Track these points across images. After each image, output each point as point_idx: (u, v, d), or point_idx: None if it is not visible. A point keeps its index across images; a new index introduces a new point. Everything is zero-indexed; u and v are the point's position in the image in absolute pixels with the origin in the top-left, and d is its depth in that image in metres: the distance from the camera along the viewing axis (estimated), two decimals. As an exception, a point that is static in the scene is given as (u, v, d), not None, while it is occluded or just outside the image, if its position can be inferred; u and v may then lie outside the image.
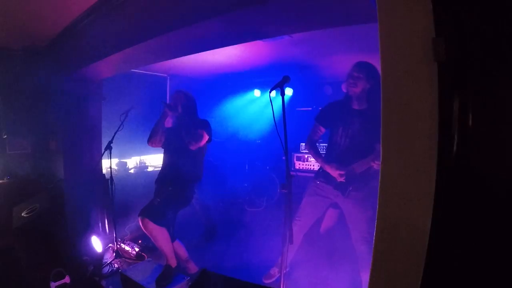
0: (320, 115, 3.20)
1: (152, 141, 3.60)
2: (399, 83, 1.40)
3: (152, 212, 3.28)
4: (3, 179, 4.85)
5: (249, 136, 6.98)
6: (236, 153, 6.79)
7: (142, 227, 3.29)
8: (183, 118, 3.52)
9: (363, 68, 2.87)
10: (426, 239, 1.32)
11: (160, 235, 3.32)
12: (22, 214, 3.76)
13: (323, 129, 3.19)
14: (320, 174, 3.15)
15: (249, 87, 7.72)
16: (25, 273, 3.39)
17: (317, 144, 3.29)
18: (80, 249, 3.98)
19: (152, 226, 3.24)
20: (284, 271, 2.56)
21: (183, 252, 3.71)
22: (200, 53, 4.10)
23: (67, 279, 3.32)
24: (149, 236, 3.33)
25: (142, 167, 6.84)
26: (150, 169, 6.85)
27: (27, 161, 5.14)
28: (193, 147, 3.40)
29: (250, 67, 6.55)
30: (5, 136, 5.04)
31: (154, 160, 7.00)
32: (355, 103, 2.95)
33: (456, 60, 1.25)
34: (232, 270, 3.98)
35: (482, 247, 1.25)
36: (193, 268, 3.73)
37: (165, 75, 7.09)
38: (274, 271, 3.50)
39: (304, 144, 3.36)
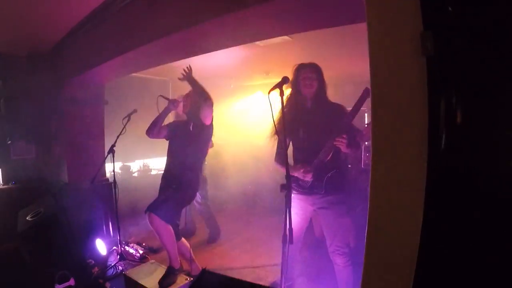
0: (278, 127, 2.97)
1: (150, 132, 3.65)
2: (388, 79, 1.39)
3: (158, 208, 3.32)
4: (8, 184, 4.90)
5: (252, 138, 6.98)
6: (238, 155, 6.79)
7: (149, 223, 3.32)
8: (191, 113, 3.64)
9: (314, 68, 2.95)
10: (417, 242, 1.31)
11: (165, 232, 3.34)
12: (27, 218, 3.79)
13: (288, 140, 3.07)
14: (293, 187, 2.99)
15: (252, 89, 7.75)
16: (30, 275, 3.41)
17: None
18: (85, 252, 4.00)
19: (158, 221, 3.28)
20: (288, 283, 2.52)
21: (187, 251, 3.72)
22: (200, 56, 4.13)
23: (71, 282, 3.34)
24: (155, 232, 3.35)
25: (145, 171, 6.86)
26: (153, 172, 6.88)
27: (31, 166, 5.19)
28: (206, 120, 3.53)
29: (252, 69, 6.58)
30: (10, 142, 5.09)
31: (158, 163, 7.03)
32: (309, 102, 2.96)
33: (445, 54, 1.24)
34: (234, 271, 4.00)
35: (472, 249, 1.25)
36: (196, 269, 3.73)
37: (167, 78, 7.14)
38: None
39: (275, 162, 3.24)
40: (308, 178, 2.85)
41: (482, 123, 1.23)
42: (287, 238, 2.28)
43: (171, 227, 3.40)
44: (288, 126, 2.90)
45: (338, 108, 2.94)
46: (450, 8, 1.23)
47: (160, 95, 3.72)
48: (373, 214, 1.46)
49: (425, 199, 1.29)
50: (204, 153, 3.72)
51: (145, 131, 3.68)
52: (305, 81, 2.89)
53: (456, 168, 1.26)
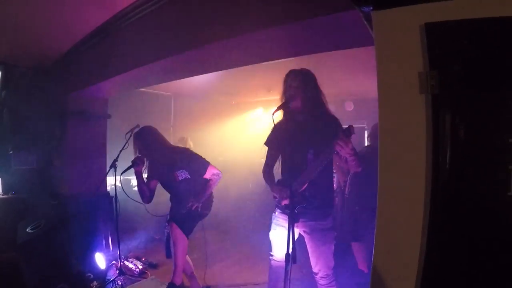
0: (269, 138, 2.88)
1: (145, 199, 3.63)
2: (395, 115, 1.48)
3: (179, 220, 3.39)
4: (8, 194, 4.89)
5: (252, 154, 6.99)
6: (238, 171, 6.80)
7: (171, 231, 3.41)
8: (154, 153, 3.58)
9: (298, 75, 2.65)
10: (422, 259, 1.39)
11: (182, 243, 3.37)
12: (27, 230, 3.78)
13: (276, 153, 2.89)
14: (276, 204, 2.90)
15: (253, 106, 7.81)
16: (29, 288, 3.40)
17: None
18: (84, 266, 3.98)
19: (179, 232, 3.34)
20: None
21: (189, 267, 3.70)
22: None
23: (70, 295, 3.33)
24: (173, 241, 3.40)
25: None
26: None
27: (32, 177, 5.19)
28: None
29: (254, 86, 6.64)
30: (11, 152, 5.10)
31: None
32: (299, 115, 2.68)
33: (449, 92, 1.32)
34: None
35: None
36: (196, 285, 3.72)
37: (170, 93, 7.19)
38: None
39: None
40: (285, 202, 2.61)
41: (484, 158, 1.31)
42: (290, 257, 2.26)
43: (187, 241, 3.42)
44: (278, 140, 2.78)
45: (333, 124, 2.63)
46: (455, 49, 1.31)
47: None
48: (381, 236, 1.52)
49: (428, 230, 1.39)
50: (203, 170, 3.62)
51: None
52: (290, 91, 2.62)
53: (458, 195, 1.35)
